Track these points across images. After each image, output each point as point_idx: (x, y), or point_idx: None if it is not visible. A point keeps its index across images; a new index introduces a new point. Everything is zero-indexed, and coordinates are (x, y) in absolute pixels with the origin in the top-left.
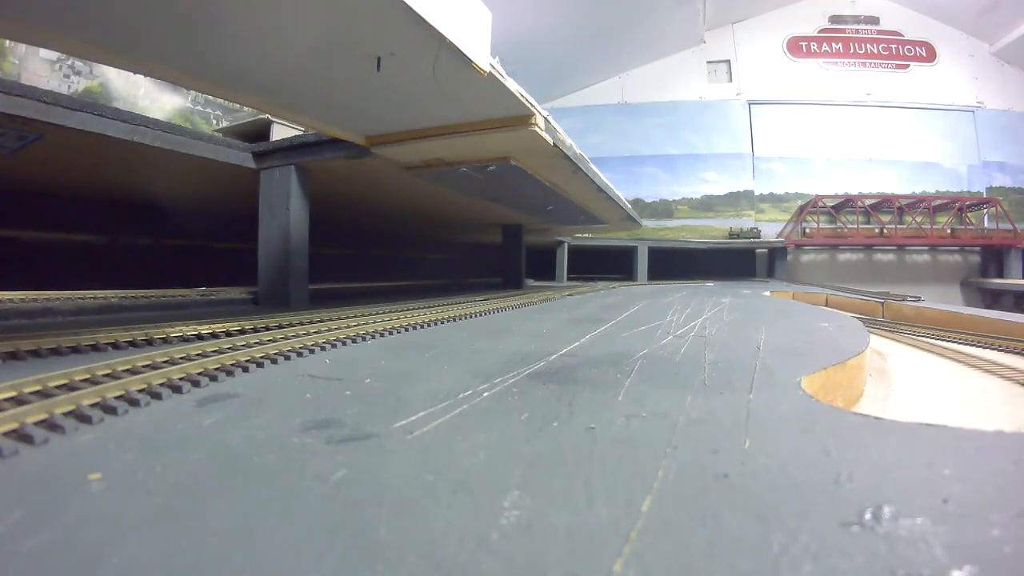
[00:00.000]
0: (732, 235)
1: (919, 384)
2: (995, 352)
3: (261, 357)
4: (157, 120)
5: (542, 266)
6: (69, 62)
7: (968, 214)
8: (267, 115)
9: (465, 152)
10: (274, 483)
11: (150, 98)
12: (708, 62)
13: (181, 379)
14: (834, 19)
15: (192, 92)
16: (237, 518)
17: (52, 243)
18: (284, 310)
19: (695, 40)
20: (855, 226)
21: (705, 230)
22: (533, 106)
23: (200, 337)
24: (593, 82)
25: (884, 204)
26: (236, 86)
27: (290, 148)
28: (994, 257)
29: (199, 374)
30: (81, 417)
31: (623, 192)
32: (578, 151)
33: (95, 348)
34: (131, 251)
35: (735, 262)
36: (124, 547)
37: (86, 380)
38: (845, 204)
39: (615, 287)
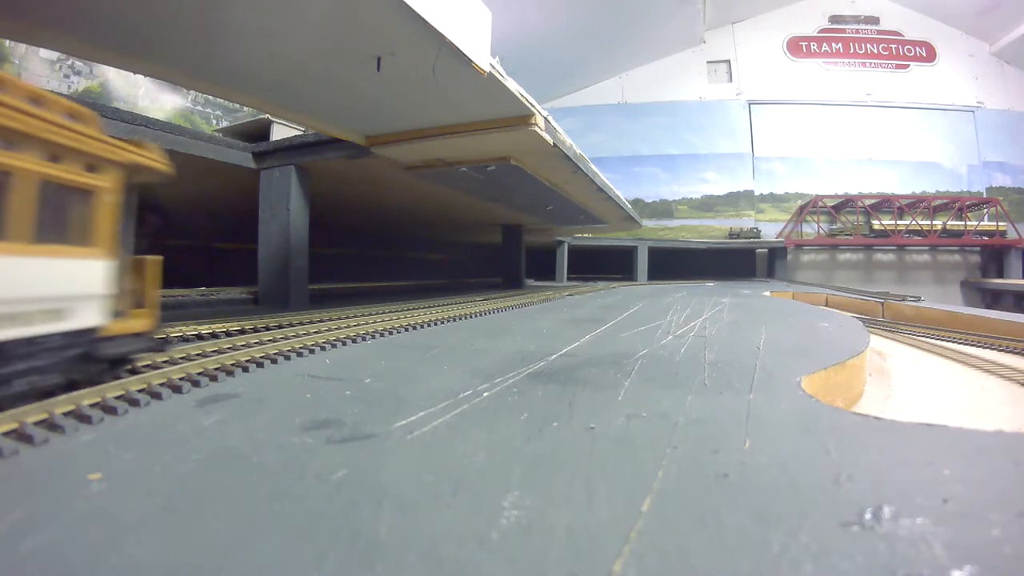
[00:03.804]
0: (732, 235)
1: (919, 384)
2: (995, 352)
3: (261, 357)
4: (157, 120)
5: (542, 266)
6: (69, 62)
7: (968, 214)
8: (267, 115)
9: (465, 152)
10: (274, 483)
11: (150, 98)
12: (708, 62)
13: (181, 379)
14: (834, 19)
15: (192, 92)
16: (237, 518)
17: None
18: (284, 310)
19: (695, 40)
20: (854, 225)
21: (705, 230)
22: (533, 106)
23: (200, 337)
24: (593, 82)
25: (884, 204)
26: (236, 86)
27: (290, 148)
28: (994, 257)
29: (199, 374)
30: (81, 417)
31: (623, 192)
32: (578, 151)
33: None
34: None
35: (735, 262)
36: (124, 547)
37: (86, 380)
38: (845, 204)
39: (615, 287)
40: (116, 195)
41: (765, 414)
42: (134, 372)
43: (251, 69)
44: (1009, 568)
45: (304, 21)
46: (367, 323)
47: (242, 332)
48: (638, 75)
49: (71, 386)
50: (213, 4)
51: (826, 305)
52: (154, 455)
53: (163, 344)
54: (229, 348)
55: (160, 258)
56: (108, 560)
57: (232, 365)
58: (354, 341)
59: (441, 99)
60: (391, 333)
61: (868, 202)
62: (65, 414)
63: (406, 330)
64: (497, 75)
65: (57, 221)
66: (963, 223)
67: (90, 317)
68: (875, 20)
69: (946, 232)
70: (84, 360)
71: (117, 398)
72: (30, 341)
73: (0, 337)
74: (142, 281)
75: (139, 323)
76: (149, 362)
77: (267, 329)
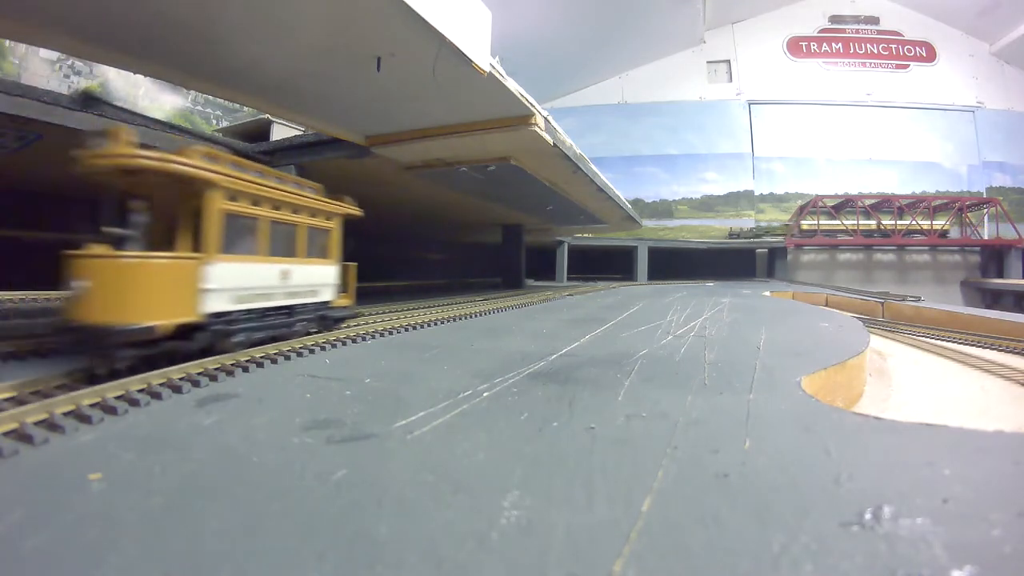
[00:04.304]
0: (732, 235)
1: (919, 384)
2: (995, 352)
3: (261, 357)
4: (157, 120)
5: (542, 266)
6: (69, 62)
7: (968, 214)
8: (267, 115)
9: (465, 152)
10: (274, 483)
11: (150, 98)
12: (708, 62)
13: (181, 379)
14: (834, 19)
15: (192, 92)
16: (237, 518)
17: (52, 243)
18: None
19: (695, 40)
20: (855, 222)
21: (705, 230)
22: (533, 106)
23: None
24: (593, 82)
25: (884, 204)
26: (236, 86)
27: (290, 148)
28: (994, 257)
29: (199, 374)
30: (81, 417)
31: (623, 192)
32: (578, 151)
33: None
34: None
35: (735, 262)
36: (124, 547)
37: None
38: (845, 204)
39: (615, 287)
40: (338, 231)
41: (765, 414)
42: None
43: (251, 69)
44: (1009, 568)
45: (304, 21)
46: (367, 323)
47: None
48: (638, 75)
49: (315, 332)
50: (213, 4)
51: (826, 305)
52: (154, 455)
53: (358, 313)
54: None
55: (356, 264)
56: (108, 560)
57: (232, 365)
58: (354, 341)
59: (441, 99)
60: (391, 333)
61: (868, 202)
62: (65, 414)
63: (406, 330)
64: (497, 75)
65: (315, 246)
66: (960, 224)
67: (327, 295)
68: (875, 20)
69: (884, 232)
70: (322, 319)
71: (117, 398)
72: (303, 305)
73: (293, 303)
74: (347, 277)
75: (346, 301)
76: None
77: None
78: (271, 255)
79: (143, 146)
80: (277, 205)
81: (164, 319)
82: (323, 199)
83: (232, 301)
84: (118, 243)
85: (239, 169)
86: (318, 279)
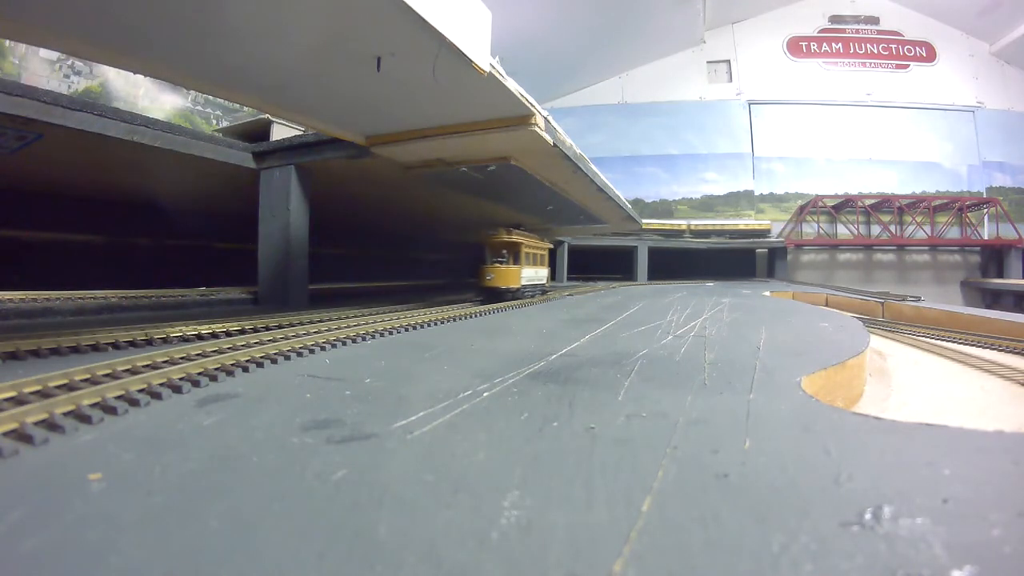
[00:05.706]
0: (734, 234)
1: (919, 384)
2: (995, 352)
3: (261, 357)
4: (157, 120)
5: None
6: (69, 62)
7: (968, 214)
8: (267, 115)
9: (465, 152)
10: (274, 483)
11: (150, 98)
12: (708, 62)
13: (181, 379)
14: (834, 19)
15: (192, 92)
16: (237, 518)
17: (52, 243)
18: (284, 310)
19: (695, 40)
20: (855, 226)
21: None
22: (533, 106)
23: (200, 337)
24: (593, 82)
25: (884, 204)
26: (236, 86)
27: (290, 148)
28: (994, 257)
29: (199, 374)
30: (81, 417)
31: (623, 192)
32: (578, 151)
33: (95, 348)
34: (131, 251)
35: (735, 262)
36: (124, 547)
37: (86, 380)
38: (845, 204)
39: (615, 287)
40: (546, 254)
41: (765, 414)
42: (134, 372)
43: (251, 69)
44: (1009, 568)
45: (304, 21)
46: (367, 323)
47: (242, 332)
48: (638, 75)
49: (537, 295)
50: (213, 4)
51: (826, 305)
52: (154, 455)
53: (550, 289)
54: (229, 348)
55: (549, 268)
56: (108, 560)
57: (232, 365)
58: (354, 341)
59: (441, 99)
60: (391, 333)
61: (868, 202)
62: (65, 414)
63: (406, 330)
64: (497, 75)
65: (539, 261)
66: (960, 224)
67: (543, 281)
68: (875, 20)
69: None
70: (542, 292)
71: (117, 398)
72: (539, 284)
73: (535, 283)
74: (549, 273)
75: (547, 283)
76: (149, 362)
77: (267, 329)
78: (531, 265)
79: (505, 231)
80: (532, 247)
81: (514, 286)
82: (543, 243)
83: (525, 281)
84: (502, 262)
85: (526, 236)
86: (542, 275)
